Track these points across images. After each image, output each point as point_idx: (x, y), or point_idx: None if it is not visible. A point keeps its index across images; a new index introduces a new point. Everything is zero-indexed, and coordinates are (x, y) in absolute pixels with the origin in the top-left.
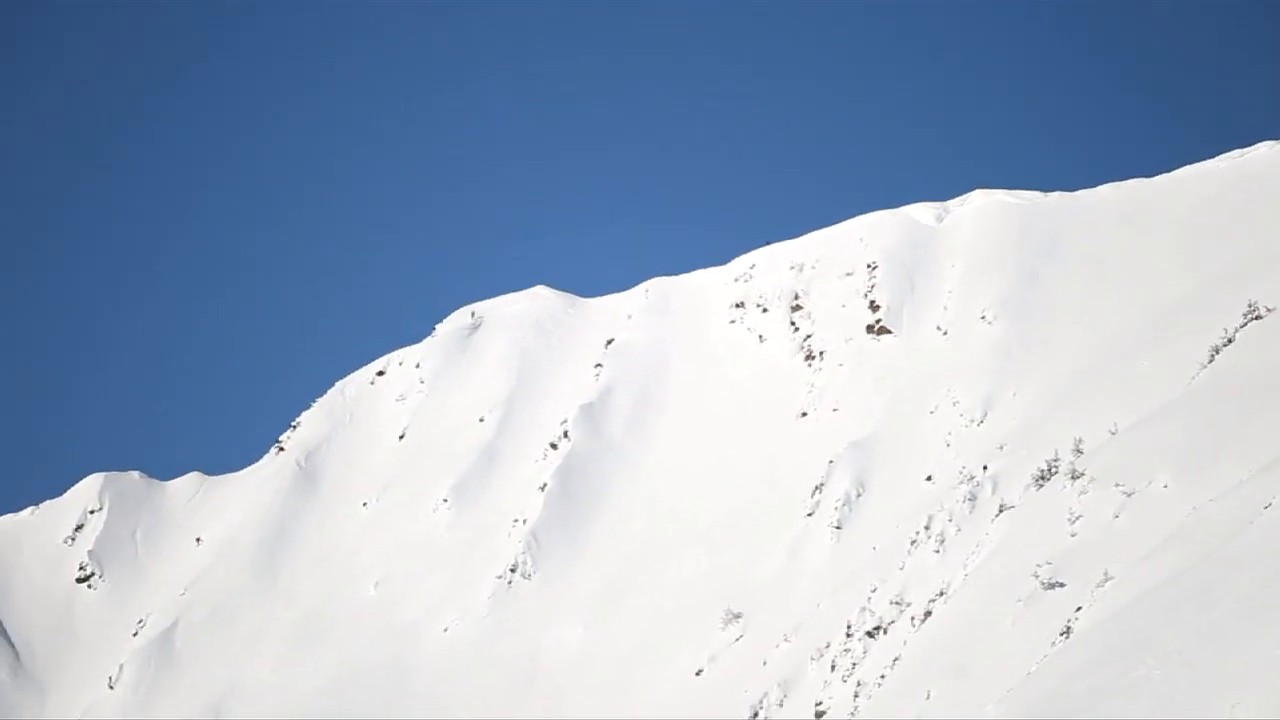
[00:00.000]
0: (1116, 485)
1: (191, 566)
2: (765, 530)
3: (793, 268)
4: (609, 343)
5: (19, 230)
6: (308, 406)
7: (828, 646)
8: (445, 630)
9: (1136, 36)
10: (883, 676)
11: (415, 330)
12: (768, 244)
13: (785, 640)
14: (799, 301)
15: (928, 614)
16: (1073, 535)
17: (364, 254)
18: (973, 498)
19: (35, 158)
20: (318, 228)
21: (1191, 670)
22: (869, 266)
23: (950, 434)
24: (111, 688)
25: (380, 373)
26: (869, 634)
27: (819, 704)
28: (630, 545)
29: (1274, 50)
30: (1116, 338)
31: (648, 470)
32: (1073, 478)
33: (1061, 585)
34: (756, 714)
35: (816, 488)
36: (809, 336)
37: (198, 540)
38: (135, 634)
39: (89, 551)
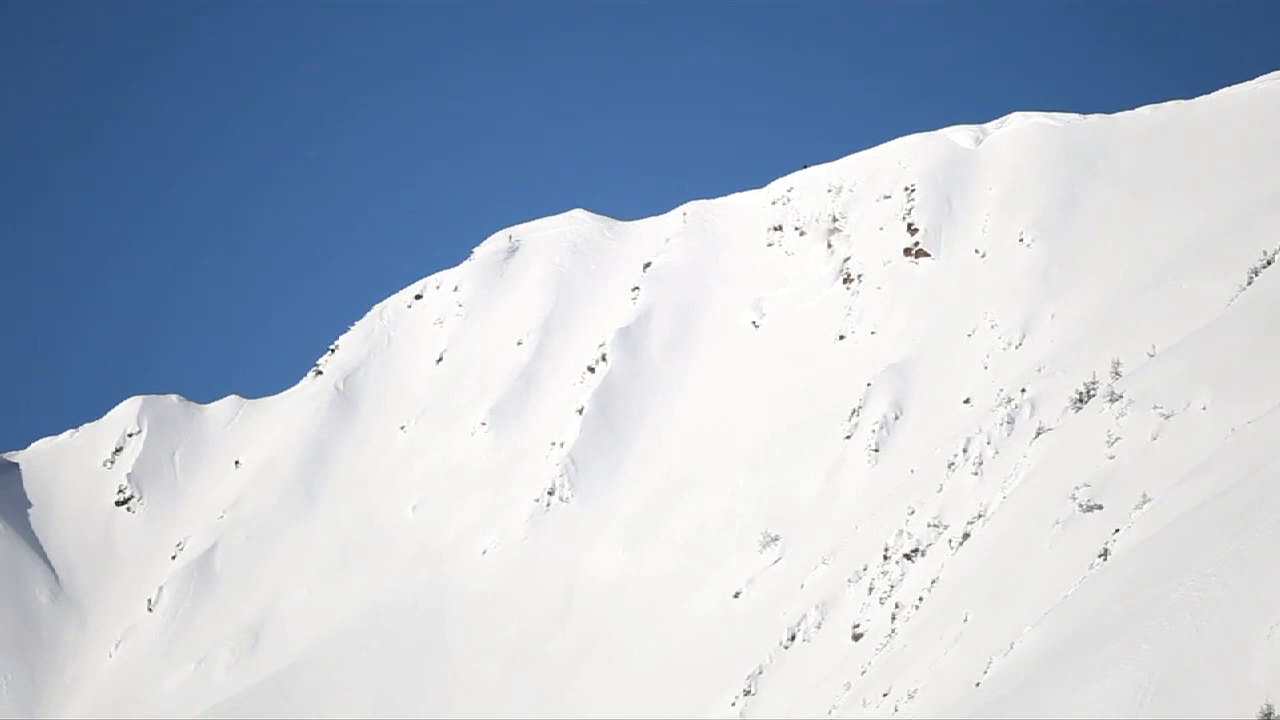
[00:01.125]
0: (1155, 408)
1: (230, 489)
2: (803, 453)
3: (830, 191)
4: (646, 266)
5: (58, 150)
6: (346, 330)
7: (865, 569)
8: (483, 553)
9: None
10: (920, 599)
11: (453, 253)
12: (805, 167)
13: (823, 563)
14: (837, 224)
15: (965, 537)
16: (1111, 458)
17: (401, 176)
18: (1011, 420)
19: (73, 75)
20: (357, 149)
21: (1229, 592)
22: (907, 189)
23: (988, 356)
24: (150, 610)
25: (418, 296)
26: (906, 556)
27: (856, 626)
28: (668, 468)
29: None
30: (1155, 260)
31: (685, 393)
32: (1111, 400)
33: (1099, 508)
34: (794, 636)
35: (854, 411)
36: (847, 259)
37: (236, 463)
38: (174, 557)
39: (128, 474)
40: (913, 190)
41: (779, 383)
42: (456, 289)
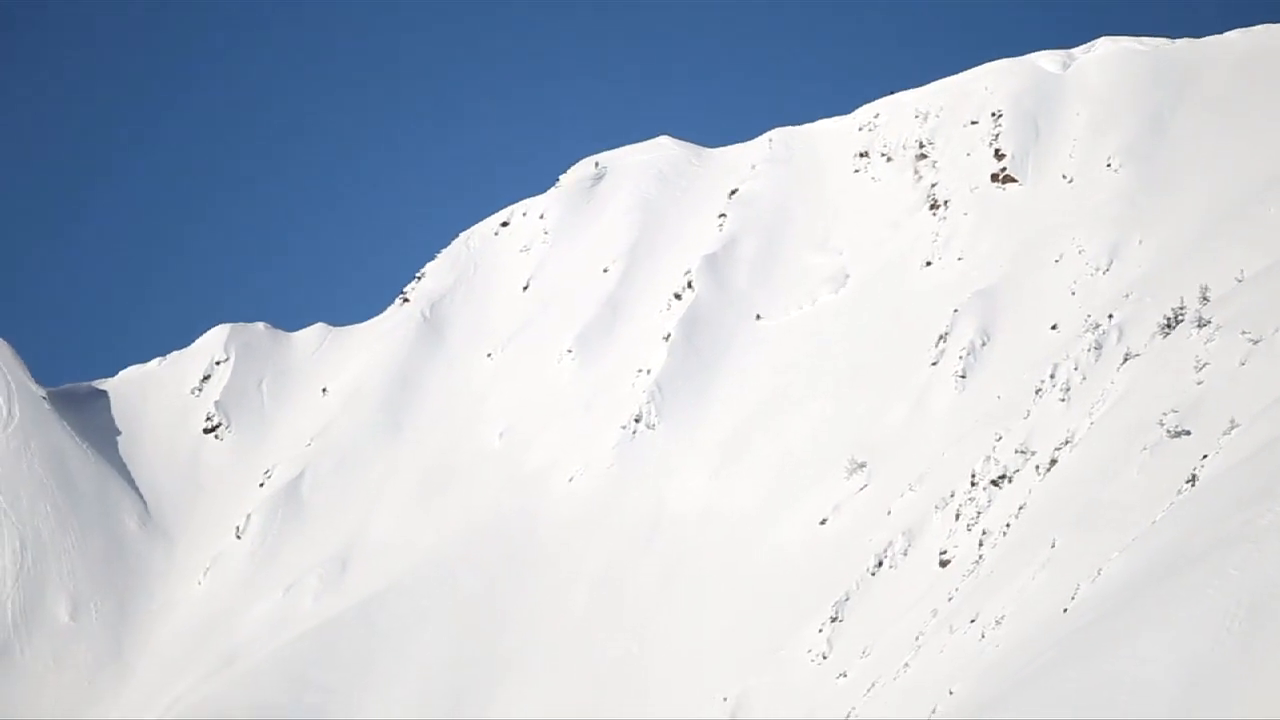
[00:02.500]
0: (1243, 333)
1: (317, 417)
2: (889, 379)
3: (917, 116)
4: (732, 193)
5: (149, 81)
6: (432, 258)
7: (952, 495)
8: (570, 480)
9: None
10: (1007, 525)
11: (538, 181)
12: (892, 93)
13: (909, 489)
14: (923, 150)
15: (1053, 462)
16: (1199, 383)
17: (487, 104)
18: (1098, 346)
19: (176, 22)
20: (443, 77)
21: None
22: (994, 115)
23: (1075, 282)
24: (239, 538)
25: (504, 223)
26: (993, 483)
27: (943, 553)
28: (754, 395)
29: None
30: (1244, 185)
31: (771, 320)
32: (1199, 325)
33: (1187, 433)
34: (881, 562)
35: (941, 337)
36: (934, 185)
37: (323, 391)
38: (262, 484)
39: (215, 402)
40: (1000, 116)
41: (865, 309)
42: (543, 216)
